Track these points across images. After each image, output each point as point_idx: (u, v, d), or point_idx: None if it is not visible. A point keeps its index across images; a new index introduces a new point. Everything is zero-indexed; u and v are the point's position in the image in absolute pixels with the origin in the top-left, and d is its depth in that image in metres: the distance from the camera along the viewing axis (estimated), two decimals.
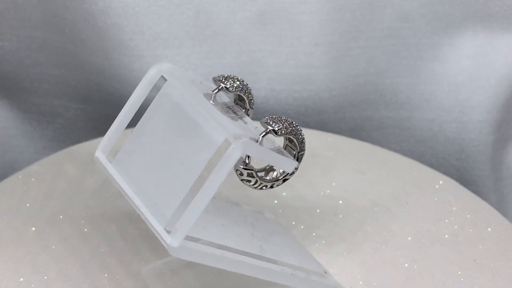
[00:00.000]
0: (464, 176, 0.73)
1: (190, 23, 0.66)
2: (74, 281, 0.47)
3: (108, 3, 0.64)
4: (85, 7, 0.64)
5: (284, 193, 0.55)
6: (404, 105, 0.71)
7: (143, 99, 0.43)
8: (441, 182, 0.57)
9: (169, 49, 0.67)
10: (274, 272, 0.41)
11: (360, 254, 0.50)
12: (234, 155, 0.36)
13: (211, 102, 0.41)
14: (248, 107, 0.44)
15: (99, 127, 0.73)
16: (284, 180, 0.43)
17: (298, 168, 0.42)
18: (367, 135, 0.73)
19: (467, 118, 0.70)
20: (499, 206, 0.74)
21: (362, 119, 0.72)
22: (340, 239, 0.51)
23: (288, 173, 0.42)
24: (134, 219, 0.52)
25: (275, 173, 0.43)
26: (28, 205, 0.53)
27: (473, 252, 0.51)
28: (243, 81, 0.44)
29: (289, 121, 0.41)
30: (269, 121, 0.40)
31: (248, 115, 0.44)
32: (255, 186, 0.42)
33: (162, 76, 0.42)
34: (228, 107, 0.42)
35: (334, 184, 0.57)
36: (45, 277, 0.47)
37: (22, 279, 0.47)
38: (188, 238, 0.38)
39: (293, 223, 0.53)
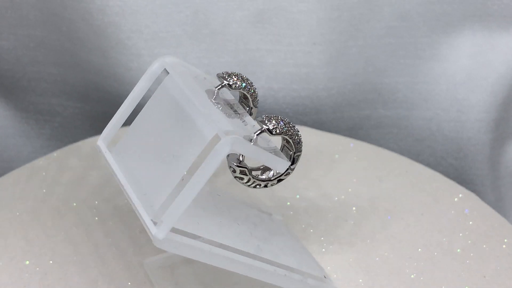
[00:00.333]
0: (462, 175, 0.73)
1: (188, 22, 0.66)
2: (78, 266, 0.48)
3: (106, 1, 0.64)
4: (82, 5, 0.64)
5: (298, 196, 0.55)
6: (402, 104, 0.71)
7: (146, 91, 0.43)
8: (460, 195, 0.56)
9: (167, 48, 0.67)
10: (266, 272, 0.41)
11: (367, 261, 0.50)
12: (223, 150, 0.36)
13: (213, 98, 0.41)
14: (251, 105, 0.44)
15: (97, 126, 0.73)
16: (279, 180, 0.43)
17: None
18: (365, 134, 0.73)
19: (465, 117, 0.70)
20: (497, 205, 0.74)
21: (360, 118, 0.72)
22: (348, 245, 0.51)
23: (282, 173, 0.42)
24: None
25: (271, 172, 0.43)
26: (32, 195, 0.54)
27: (484, 268, 0.50)
28: (247, 79, 0.43)
29: (285, 121, 0.41)
30: (264, 119, 0.40)
31: (251, 113, 0.44)
32: (248, 184, 0.42)
33: (165, 69, 0.42)
34: (230, 104, 0.42)
35: (349, 190, 0.56)
36: (50, 262, 0.49)
37: (28, 262, 0.49)
38: (176, 231, 0.38)
39: (303, 226, 0.53)
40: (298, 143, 0.42)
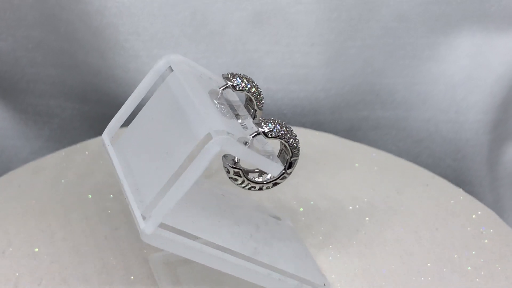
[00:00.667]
0: (460, 176, 0.73)
1: (186, 23, 0.66)
2: (84, 258, 0.49)
3: (104, 3, 0.64)
4: (81, 7, 0.64)
5: (312, 202, 0.55)
6: (400, 105, 0.71)
7: (150, 87, 0.43)
8: (479, 212, 0.55)
9: (165, 49, 0.67)
10: (259, 275, 0.41)
11: (373, 273, 0.49)
12: (212, 149, 0.36)
13: (216, 99, 0.41)
14: (256, 107, 0.44)
15: (96, 127, 0.73)
16: (275, 184, 0.42)
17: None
18: (363, 135, 0.73)
19: (463, 118, 0.70)
20: (495, 206, 0.74)
21: (358, 119, 0.72)
22: (356, 256, 0.50)
23: (278, 177, 0.42)
24: None
25: (268, 175, 0.43)
26: (43, 187, 0.55)
27: None
28: (252, 81, 0.43)
29: (282, 124, 0.40)
30: (261, 122, 0.40)
31: (255, 116, 0.44)
32: (243, 185, 0.42)
33: (170, 67, 0.42)
34: (233, 105, 0.42)
35: (365, 199, 0.55)
36: (58, 250, 0.49)
37: (37, 250, 0.50)
38: (166, 227, 0.38)
39: (313, 232, 0.52)
40: (295, 147, 0.41)
